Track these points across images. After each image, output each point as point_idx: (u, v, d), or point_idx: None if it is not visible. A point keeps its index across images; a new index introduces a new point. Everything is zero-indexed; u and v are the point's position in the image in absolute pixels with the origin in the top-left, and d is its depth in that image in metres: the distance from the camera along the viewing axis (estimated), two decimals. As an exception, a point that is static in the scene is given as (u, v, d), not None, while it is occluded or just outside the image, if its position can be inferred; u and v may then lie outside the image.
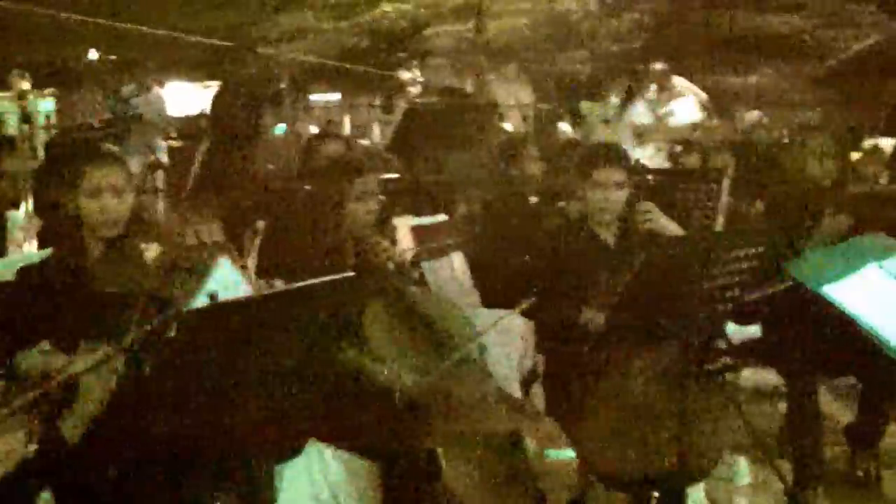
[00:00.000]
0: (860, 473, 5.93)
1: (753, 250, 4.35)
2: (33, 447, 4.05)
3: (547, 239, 5.77)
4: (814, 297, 4.52)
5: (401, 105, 9.01)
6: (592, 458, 4.64)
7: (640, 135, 11.36)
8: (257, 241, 5.81)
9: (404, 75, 10.30)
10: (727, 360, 4.94)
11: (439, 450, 4.26)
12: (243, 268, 5.01)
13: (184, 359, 3.32)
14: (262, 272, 5.33)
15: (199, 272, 4.04)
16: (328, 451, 4.41)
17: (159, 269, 4.09)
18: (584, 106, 12.03)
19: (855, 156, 8.63)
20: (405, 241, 5.78)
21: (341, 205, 5.22)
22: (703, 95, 12.37)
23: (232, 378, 3.44)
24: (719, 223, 6.80)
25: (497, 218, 6.97)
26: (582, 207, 5.51)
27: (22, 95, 10.75)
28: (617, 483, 4.83)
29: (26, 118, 10.45)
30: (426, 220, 6.45)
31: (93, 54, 14.47)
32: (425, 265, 5.87)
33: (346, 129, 14.68)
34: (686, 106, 11.92)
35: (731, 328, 5.87)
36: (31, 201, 8.78)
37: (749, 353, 6.08)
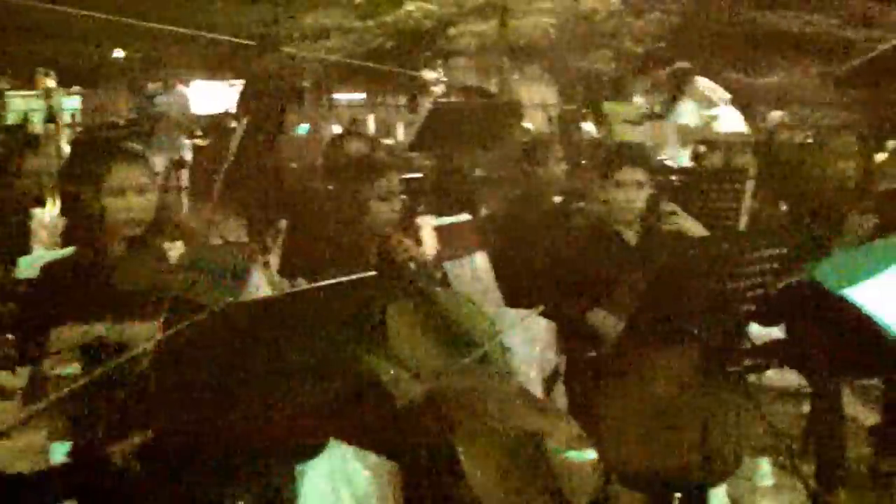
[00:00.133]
0: (883, 475, 5.91)
1: (776, 251, 4.34)
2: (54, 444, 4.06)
3: (569, 239, 5.77)
4: (837, 299, 4.51)
5: (425, 104, 9.00)
6: (614, 458, 4.63)
7: (686, 135, 11.29)
8: (280, 240, 5.82)
9: (428, 75, 10.30)
10: (750, 360, 4.94)
11: (460, 449, 4.26)
12: (266, 265, 5.03)
13: (205, 358, 3.33)
14: (285, 271, 5.34)
15: (221, 272, 4.05)
16: (350, 451, 4.41)
17: (183, 269, 4.10)
18: (608, 106, 12.01)
19: (880, 156, 8.61)
20: (428, 241, 5.78)
21: (363, 204, 5.23)
22: (727, 95, 12.34)
23: (253, 377, 3.45)
24: (742, 224, 6.78)
25: (520, 218, 6.96)
26: (604, 207, 5.50)
27: (47, 93, 10.79)
28: (639, 484, 4.82)
29: (51, 116, 10.48)
30: (449, 219, 6.45)
31: (118, 53, 14.53)
32: (448, 265, 5.87)
33: (371, 128, 14.71)
34: (731, 114, 11.87)
35: (755, 329, 5.86)
36: (55, 199, 8.82)
37: (772, 354, 6.06)
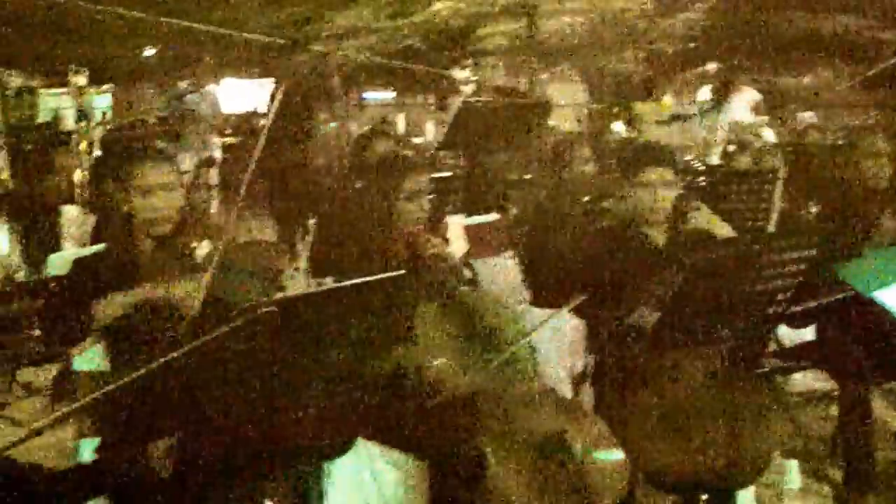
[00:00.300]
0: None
1: (806, 253, 4.32)
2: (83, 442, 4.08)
3: (597, 239, 5.76)
4: (867, 301, 4.49)
5: (455, 104, 9.00)
6: (641, 459, 4.62)
7: (740, 132, 11.23)
8: (309, 239, 5.83)
9: (458, 74, 10.29)
10: (778, 362, 4.92)
11: (487, 449, 4.27)
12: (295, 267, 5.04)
13: (233, 356, 3.34)
14: (314, 269, 5.36)
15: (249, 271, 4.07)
16: (377, 450, 4.42)
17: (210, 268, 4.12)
18: (638, 106, 11.98)
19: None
20: (456, 240, 5.78)
21: (392, 203, 5.23)
22: (757, 96, 12.29)
23: (281, 375, 3.46)
24: (772, 225, 6.76)
25: (548, 218, 6.96)
26: (630, 207, 5.48)
27: (79, 92, 10.83)
28: (666, 485, 4.81)
29: (83, 114, 10.53)
30: (477, 219, 6.45)
31: (149, 51, 14.56)
32: (476, 264, 5.88)
33: (401, 127, 14.72)
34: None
35: (784, 331, 5.84)
36: (85, 197, 8.86)
37: (801, 356, 6.04)
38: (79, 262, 4.35)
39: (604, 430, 4.60)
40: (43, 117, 10.51)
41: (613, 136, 12.14)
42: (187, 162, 12.06)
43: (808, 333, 6.10)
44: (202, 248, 4.26)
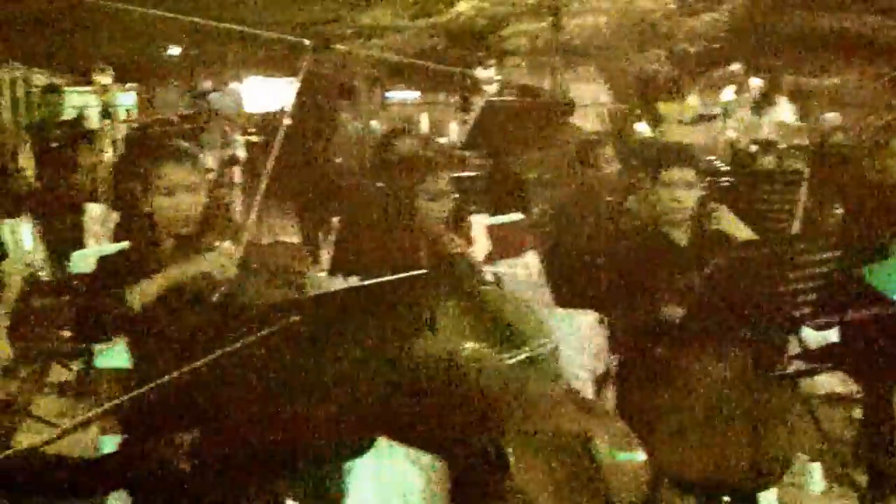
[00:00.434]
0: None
1: (830, 255, 4.30)
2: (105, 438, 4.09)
3: (620, 239, 5.74)
4: (892, 303, 4.47)
5: (478, 103, 9.00)
6: (663, 460, 4.61)
7: (786, 134, 11.20)
8: (332, 238, 5.84)
9: (482, 73, 10.29)
10: (802, 364, 4.89)
11: (509, 449, 4.26)
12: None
13: (256, 356, 3.34)
14: (337, 268, 5.36)
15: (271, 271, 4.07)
16: (398, 449, 4.42)
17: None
18: (662, 106, 11.95)
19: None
20: (479, 240, 5.78)
21: (415, 202, 5.23)
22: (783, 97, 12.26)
23: (302, 374, 3.46)
24: (796, 226, 6.73)
25: (572, 217, 6.95)
26: (654, 208, 5.46)
27: (103, 89, 10.87)
28: (688, 486, 4.80)
29: (107, 112, 10.57)
30: (501, 218, 6.45)
31: (173, 49, 14.61)
32: (499, 264, 5.87)
33: (424, 126, 14.72)
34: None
35: (808, 333, 5.81)
36: (109, 195, 8.90)
37: (825, 358, 6.01)
38: (103, 261, 4.35)
39: (625, 430, 4.59)
40: (67, 115, 10.53)
41: (637, 136, 12.11)
42: (210, 160, 12.08)
43: (833, 335, 6.07)
44: (225, 248, 4.25)
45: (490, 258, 5.80)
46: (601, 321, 5.59)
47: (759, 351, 4.40)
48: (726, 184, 6.77)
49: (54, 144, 9.83)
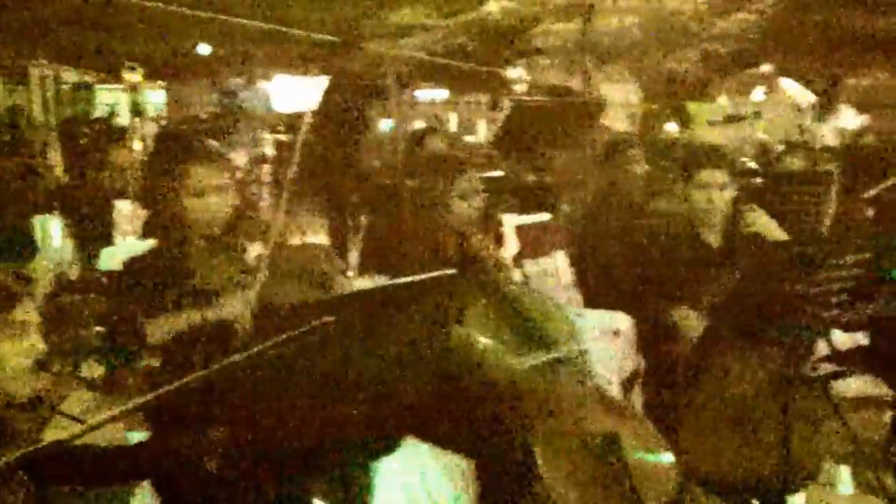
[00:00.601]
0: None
1: (861, 257, 4.28)
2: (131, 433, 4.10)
3: (650, 239, 5.73)
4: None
5: (507, 102, 8.99)
6: (691, 461, 4.60)
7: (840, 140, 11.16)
8: (360, 237, 5.84)
9: (511, 73, 10.28)
10: (832, 366, 4.87)
11: (536, 450, 4.25)
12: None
13: (284, 353, 3.34)
14: (365, 268, 5.36)
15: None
16: (425, 448, 4.42)
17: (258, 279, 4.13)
18: (692, 107, 11.93)
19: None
20: (508, 240, 5.77)
21: (444, 202, 5.23)
22: (812, 98, 12.20)
23: (331, 373, 3.46)
24: (827, 228, 6.70)
25: (601, 218, 6.93)
26: (685, 209, 5.45)
27: (133, 87, 10.93)
28: (716, 488, 4.79)
29: (137, 110, 10.62)
30: (530, 218, 6.44)
31: (203, 48, 14.65)
32: (528, 263, 5.86)
33: (453, 126, 14.72)
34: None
35: (838, 335, 5.78)
36: (138, 192, 8.92)
37: (855, 360, 5.98)
38: (132, 260, 4.36)
39: (654, 431, 4.58)
40: (97, 113, 10.59)
41: (666, 137, 12.09)
42: (239, 159, 12.11)
43: (862, 337, 6.04)
44: (253, 249, 4.26)
45: (519, 258, 5.80)
46: (630, 322, 5.58)
47: (789, 353, 4.38)
48: (757, 184, 6.74)
49: (84, 142, 9.88)
